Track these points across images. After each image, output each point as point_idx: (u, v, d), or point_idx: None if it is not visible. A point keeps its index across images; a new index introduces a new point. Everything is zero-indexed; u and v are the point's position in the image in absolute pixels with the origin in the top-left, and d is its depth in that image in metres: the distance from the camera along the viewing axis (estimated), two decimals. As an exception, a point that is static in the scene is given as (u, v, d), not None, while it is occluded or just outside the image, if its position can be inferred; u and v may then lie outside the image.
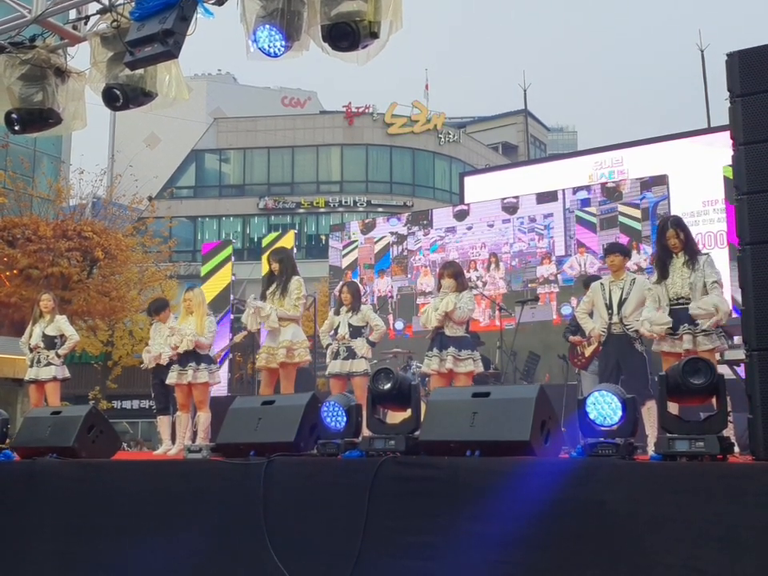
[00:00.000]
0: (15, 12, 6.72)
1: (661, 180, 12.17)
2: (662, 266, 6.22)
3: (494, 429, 4.06)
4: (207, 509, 4.57)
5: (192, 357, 8.00)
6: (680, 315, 6.02)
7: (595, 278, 8.00)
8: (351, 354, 8.00)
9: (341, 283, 8.85)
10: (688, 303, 6.00)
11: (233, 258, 15.38)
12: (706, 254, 6.39)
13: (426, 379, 8.42)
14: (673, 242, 6.14)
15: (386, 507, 4.06)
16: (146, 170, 31.13)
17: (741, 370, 6.53)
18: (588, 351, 7.95)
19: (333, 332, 8.26)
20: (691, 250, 6.16)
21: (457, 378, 7.23)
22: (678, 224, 6.27)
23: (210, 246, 16.24)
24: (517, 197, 13.66)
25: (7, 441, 5.86)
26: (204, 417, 8.01)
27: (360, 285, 9.90)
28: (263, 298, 8.01)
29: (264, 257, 11.84)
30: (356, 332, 8.08)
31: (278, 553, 4.23)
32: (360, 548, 4.02)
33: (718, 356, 6.14)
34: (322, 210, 39.41)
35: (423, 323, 7.54)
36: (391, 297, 14.30)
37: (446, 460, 4.06)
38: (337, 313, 8.30)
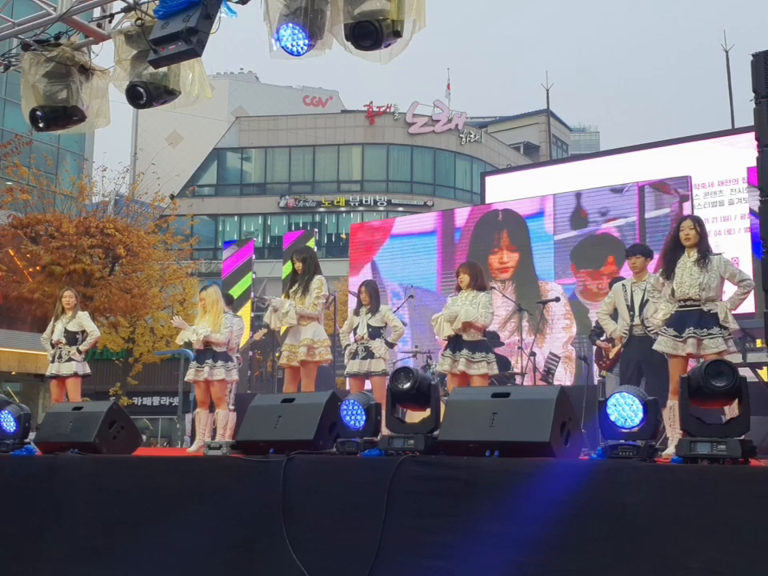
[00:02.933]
0: (40, 10, 6.78)
1: (683, 181, 12.09)
2: (669, 259, 6.05)
3: (514, 429, 4.04)
4: (226, 505, 4.58)
5: (209, 354, 8.05)
6: (686, 317, 5.86)
7: (622, 278, 7.95)
8: (369, 354, 8.03)
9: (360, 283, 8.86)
10: (696, 305, 5.84)
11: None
12: (719, 253, 6.27)
13: (445, 379, 8.42)
14: (687, 232, 5.95)
15: (404, 506, 4.06)
16: (168, 168, 31.33)
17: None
18: (612, 353, 7.92)
19: (352, 332, 8.29)
20: (704, 249, 5.96)
21: (471, 380, 7.21)
22: (697, 219, 6.13)
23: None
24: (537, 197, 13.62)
25: (30, 436, 5.90)
26: (222, 414, 8.05)
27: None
28: (286, 296, 8.03)
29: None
30: (375, 333, 8.10)
31: (297, 550, 4.23)
32: (378, 547, 4.01)
33: (739, 358, 6.05)
34: (342, 209, 39.47)
35: (436, 332, 7.52)
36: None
37: (465, 460, 4.05)
38: (356, 313, 8.32)
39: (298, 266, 7.92)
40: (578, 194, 12.88)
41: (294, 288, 7.90)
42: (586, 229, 12.49)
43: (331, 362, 8.50)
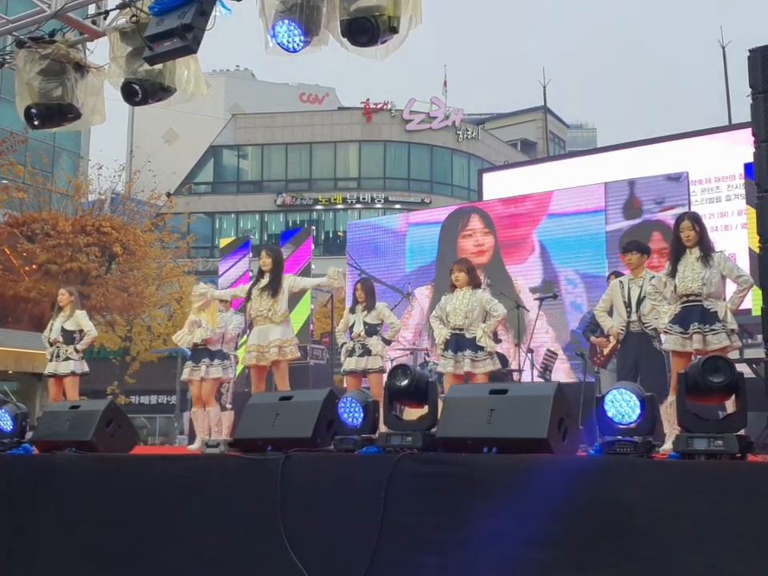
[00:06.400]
0: (35, 7, 6.76)
1: (681, 178, 12.09)
2: (674, 259, 6.13)
3: (512, 426, 4.04)
4: (224, 504, 4.57)
5: (205, 353, 8.05)
6: (690, 313, 5.92)
7: (620, 273, 7.96)
8: (366, 352, 8.04)
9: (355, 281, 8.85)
10: (699, 300, 5.91)
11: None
12: (720, 251, 6.32)
13: (443, 376, 8.41)
14: (687, 233, 6.04)
15: (402, 503, 4.05)
16: (164, 166, 31.28)
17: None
18: (608, 349, 7.91)
19: (349, 330, 8.30)
20: (705, 247, 6.04)
21: (474, 378, 7.21)
22: (695, 218, 6.20)
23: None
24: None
25: (26, 434, 5.89)
26: (213, 411, 8.07)
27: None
28: (257, 291, 7.86)
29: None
30: (371, 330, 8.11)
31: (295, 548, 4.22)
32: (377, 544, 4.01)
33: (736, 354, 6.09)
34: (339, 206, 39.44)
35: (438, 343, 7.50)
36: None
37: (463, 457, 4.04)
38: (352, 311, 8.33)
39: (267, 261, 7.80)
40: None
41: (261, 287, 7.76)
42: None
43: (301, 358, 8.49)
